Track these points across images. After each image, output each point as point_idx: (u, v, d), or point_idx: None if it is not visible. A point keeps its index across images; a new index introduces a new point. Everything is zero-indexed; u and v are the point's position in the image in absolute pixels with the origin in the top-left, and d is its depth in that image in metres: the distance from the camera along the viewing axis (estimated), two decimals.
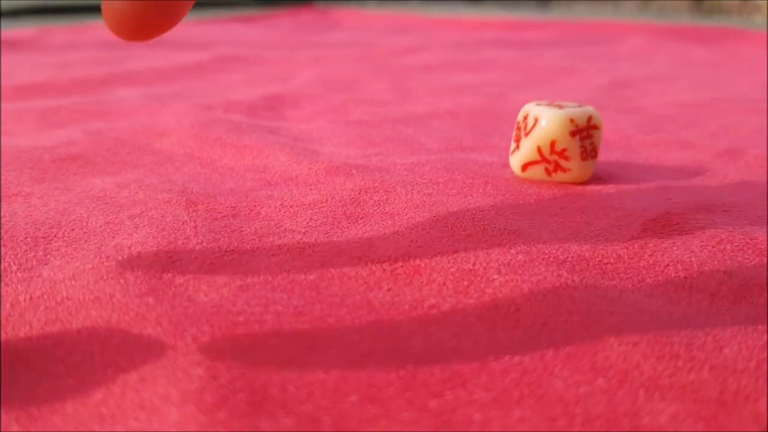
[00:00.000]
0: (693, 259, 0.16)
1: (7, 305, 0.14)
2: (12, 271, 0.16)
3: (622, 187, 0.22)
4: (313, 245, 0.17)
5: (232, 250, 0.17)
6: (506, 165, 0.24)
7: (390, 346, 0.13)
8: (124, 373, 0.12)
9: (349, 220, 0.19)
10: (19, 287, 0.15)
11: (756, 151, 0.27)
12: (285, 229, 0.18)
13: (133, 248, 0.17)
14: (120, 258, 0.16)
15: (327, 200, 0.20)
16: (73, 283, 0.15)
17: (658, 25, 0.82)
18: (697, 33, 0.77)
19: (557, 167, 0.22)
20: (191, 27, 0.79)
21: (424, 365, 0.12)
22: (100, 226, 0.18)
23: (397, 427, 0.11)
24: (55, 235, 0.18)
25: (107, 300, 0.14)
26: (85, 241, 0.17)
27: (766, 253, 0.17)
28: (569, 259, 0.16)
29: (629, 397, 0.11)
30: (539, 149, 0.21)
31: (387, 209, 0.19)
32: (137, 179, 0.22)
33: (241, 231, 0.18)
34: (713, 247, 0.17)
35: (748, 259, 0.16)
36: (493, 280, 0.15)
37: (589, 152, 0.21)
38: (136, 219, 0.19)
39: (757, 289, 0.15)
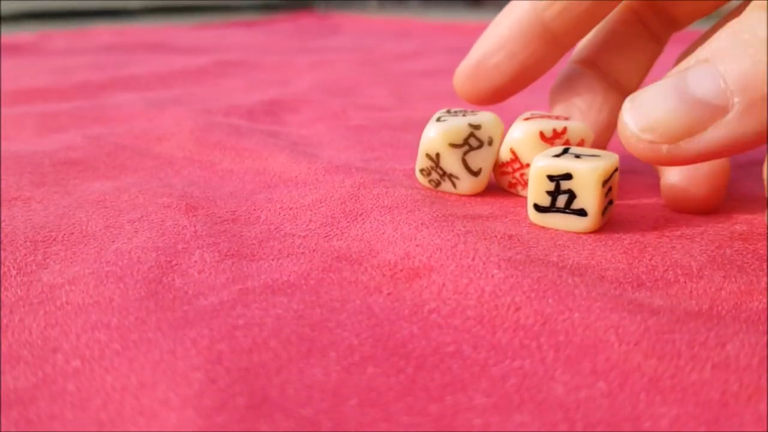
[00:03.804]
0: (693, 263, 0.16)
1: (7, 310, 0.14)
2: (11, 276, 0.16)
3: (620, 191, 0.22)
4: (314, 250, 0.17)
5: (232, 254, 0.17)
6: None
7: (390, 350, 0.13)
8: (123, 378, 0.12)
9: (348, 219, 0.19)
10: (19, 291, 0.15)
11: (755, 154, 0.27)
12: (285, 233, 0.18)
13: (132, 252, 0.17)
14: (120, 262, 0.16)
15: (326, 199, 0.20)
16: (73, 287, 0.15)
17: None
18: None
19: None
20: (191, 32, 0.79)
21: (424, 370, 0.12)
22: (100, 230, 0.18)
23: (397, 431, 0.11)
24: (54, 239, 0.18)
25: (107, 304, 0.14)
26: (85, 245, 0.17)
27: (765, 257, 0.17)
28: (568, 265, 0.16)
29: (630, 400, 0.11)
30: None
31: (386, 202, 0.19)
32: (137, 183, 0.22)
33: (241, 235, 0.18)
34: (713, 251, 0.17)
35: (747, 263, 0.16)
36: (493, 275, 0.15)
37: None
38: (135, 223, 0.19)
39: (758, 294, 0.15)
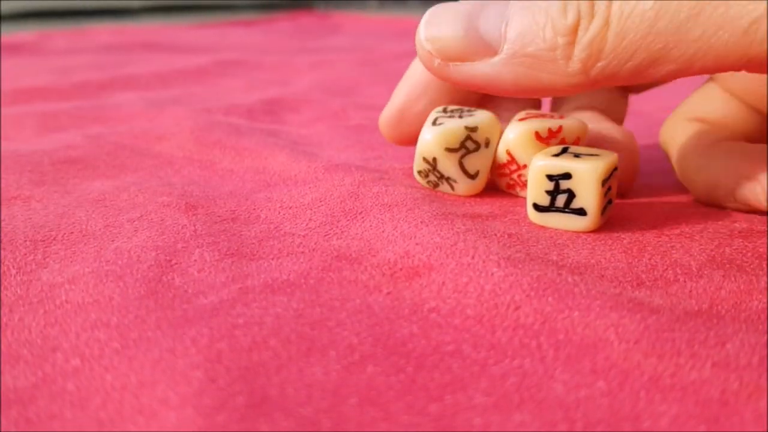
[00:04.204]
0: (692, 262, 0.16)
1: (6, 309, 0.14)
2: (11, 275, 0.16)
3: (619, 191, 0.22)
4: (313, 249, 0.17)
5: (232, 253, 0.17)
6: None
7: (390, 349, 0.13)
8: (123, 377, 0.12)
9: (348, 217, 0.19)
10: (19, 291, 0.15)
11: None
12: (285, 232, 0.18)
13: (132, 251, 0.17)
14: (119, 261, 0.16)
15: (326, 198, 0.20)
16: (72, 286, 0.15)
17: None
18: None
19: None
20: (191, 31, 0.79)
21: (424, 369, 0.12)
22: (100, 229, 0.18)
23: (397, 431, 0.11)
24: (54, 239, 0.18)
25: (106, 303, 0.14)
26: (84, 244, 0.17)
27: (765, 257, 0.17)
28: (568, 264, 0.16)
29: (630, 399, 0.11)
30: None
31: (385, 201, 0.19)
32: (137, 182, 0.22)
33: (241, 234, 0.18)
34: (712, 250, 0.17)
35: (747, 261, 0.16)
36: (493, 273, 0.15)
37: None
38: (135, 222, 0.19)
39: (757, 293, 0.15)
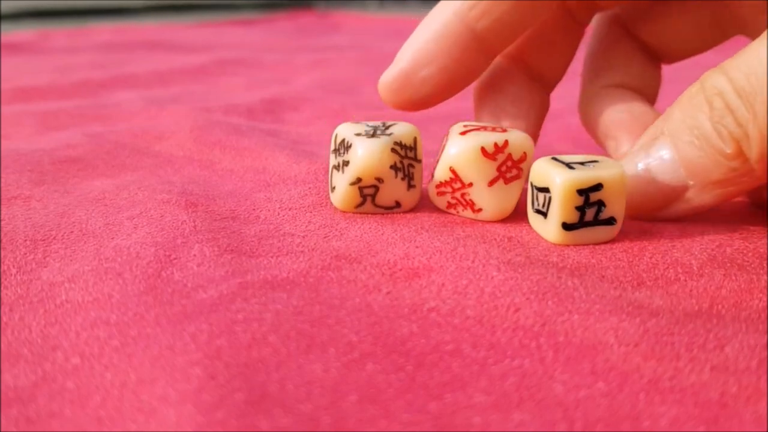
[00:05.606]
0: (693, 261, 0.16)
1: (7, 308, 0.14)
2: (11, 274, 0.16)
3: None
4: (313, 249, 0.17)
5: (232, 250, 0.17)
6: None
7: (389, 348, 0.13)
8: (122, 375, 0.12)
9: (348, 219, 0.19)
10: (19, 290, 0.15)
11: None
12: (284, 232, 0.18)
13: (131, 248, 0.17)
14: (119, 258, 0.16)
15: (326, 199, 0.20)
16: (72, 285, 0.15)
17: None
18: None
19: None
20: (190, 30, 0.79)
21: (424, 367, 0.12)
22: (99, 227, 0.18)
23: (397, 428, 0.11)
24: (54, 238, 0.18)
25: (106, 300, 0.14)
26: (84, 242, 0.17)
27: (766, 256, 0.17)
28: (568, 265, 0.16)
29: (629, 400, 0.11)
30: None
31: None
32: (136, 181, 0.22)
33: (241, 232, 0.18)
34: (713, 250, 0.17)
35: (748, 261, 0.16)
36: (493, 277, 0.15)
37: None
38: (135, 219, 0.19)
39: (758, 292, 0.15)
